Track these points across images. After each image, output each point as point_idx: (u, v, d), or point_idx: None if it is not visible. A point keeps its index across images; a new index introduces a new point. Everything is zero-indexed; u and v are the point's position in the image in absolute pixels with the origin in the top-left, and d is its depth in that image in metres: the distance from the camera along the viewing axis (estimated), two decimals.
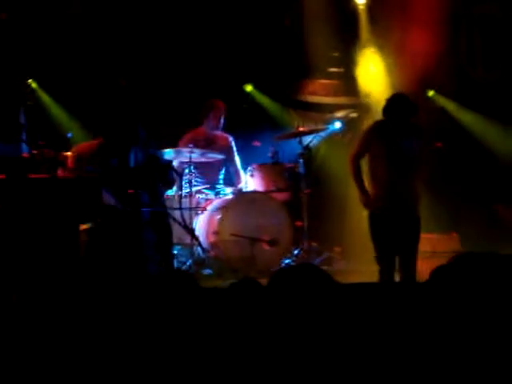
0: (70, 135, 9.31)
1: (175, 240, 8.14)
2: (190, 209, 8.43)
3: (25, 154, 7.69)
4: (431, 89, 10.15)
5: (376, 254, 6.95)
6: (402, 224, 6.90)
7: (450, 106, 10.17)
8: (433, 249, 8.14)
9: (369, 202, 6.95)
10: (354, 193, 7.89)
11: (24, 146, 8.34)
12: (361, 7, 10.10)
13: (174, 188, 8.63)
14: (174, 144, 8.85)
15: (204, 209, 8.66)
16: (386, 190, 6.90)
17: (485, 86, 10.06)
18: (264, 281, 7.48)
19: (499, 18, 10.10)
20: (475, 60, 10.10)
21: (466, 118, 10.03)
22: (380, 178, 6.93)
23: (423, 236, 7.38)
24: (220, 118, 9.28)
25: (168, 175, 7.42)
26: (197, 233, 8.39)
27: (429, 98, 10.12)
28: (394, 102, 6.99)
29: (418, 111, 7.00)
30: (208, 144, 9.12)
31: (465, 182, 9.92)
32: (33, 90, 10.03)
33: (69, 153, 7.87)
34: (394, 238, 6.90)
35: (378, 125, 7.13)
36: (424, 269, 7.61)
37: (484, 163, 9.94)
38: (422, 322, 2.89)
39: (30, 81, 9.99)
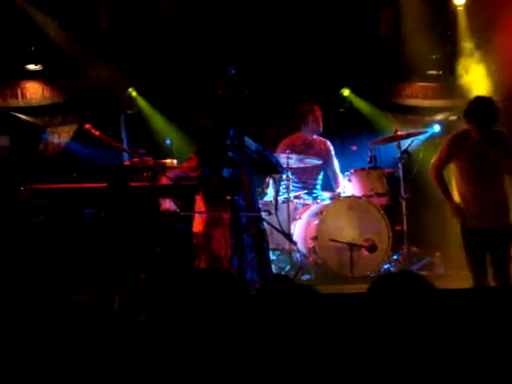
0: (168, 143, 9.44)
1: (274, 246, 8.16)
2: (288, 214, 8.43)
3: (126, 162, 7.84)
4: None
5: (468, 263, 6.88)
6: (493, 233, 6.79)
7: None
8: None
9: (458, 213, 6.88)
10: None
11: (125, 154, 8.54)
12: (459, 8, 9.93)
13: (272, 193, 8.65)
14: (272, 150, 8.86)
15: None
16: (473, 200, 6.83)
17: None
18: (362, 286, 7.45)
19: None
20: None
21: None
22: (465, 189, 6.88)
23: None
24: (319, 121, 9.24)
25: (269, 162, 7.37)
26: (295, 238, 8.37)
27: None
28: (477, 106, 6.80)
29: (498, 116, 6.79)
30: (306, 149, 9.10)
31: None
32: (133, 99, 10.21)
33: (168, 160, 7.99)
34: (485, 248, 6.81)
35: (457, 135, 7.04)
36: None
37: None
38: None
39: (130, 89, 10.17)
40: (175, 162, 8.17)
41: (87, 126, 6.69)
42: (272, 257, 8.02)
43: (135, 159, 7.13)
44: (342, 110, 10.66)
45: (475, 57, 9.79)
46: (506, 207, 6.89)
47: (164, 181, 6.93)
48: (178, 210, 7.00)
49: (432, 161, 7.10)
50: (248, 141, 7.16)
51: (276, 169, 7.61)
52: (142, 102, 10.18)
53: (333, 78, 10.37)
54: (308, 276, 8.30)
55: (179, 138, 9.77)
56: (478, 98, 6.95)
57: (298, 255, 8.30)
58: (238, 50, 9.62)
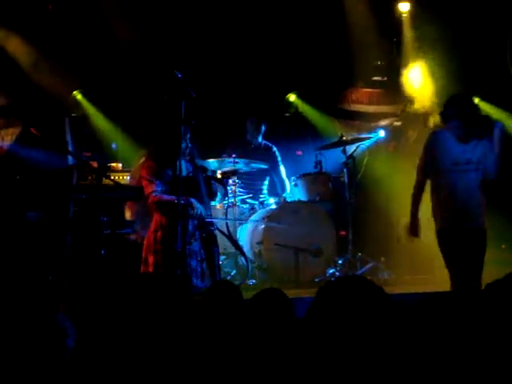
0: (114, 146, 9.38)
1: (220, 250, 8.14)
2: (234, 219, 8.42)
3: (70, 165, 7.77)
4: (477, 95, 9.98)
5: (447, 266, 6.58)
6: (466, 234, 6.54)
7: (495, 112, 10.01)
8: None
9: (413, 229, 6.64)
10: (397, 201, 7.79)
11: (70, 157, 8.46)
12: (404, 15, 10.03)
13: (218, 198, 8.63)
14: (218, 154, 8.83)
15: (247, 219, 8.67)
16: (451, 199, 6.55)
17: None
18: (308, 291, 7.46)
19: None
20: None
21: None
22: (444, 189, 6.58)
23: None
24: (256, 124, 9.30)
25: (211, 187, 7.39)
26: (241, 243, 8.37)
27: None
28: (453, 104, 6.53)
29: (478, 112, 6.63)
30: (252, 153, 9.10)
31: None
32: (78, 102, 10.11)
33: (114, 164, 7.93)
34: (461, 250, 6.62)
35: (433, 134, 6.76)
36: None
37: None
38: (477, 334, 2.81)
39: (74, 92, 10.07)
40: (120, 165, 8.11)
41: (31, 128, 6.60)
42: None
43: (80, 162, 7.06)
44: (287, 114, 10.69)
45: (419, 62, 9.89)
46: (482, 210, 6.62)
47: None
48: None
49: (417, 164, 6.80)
50: (207, 164, 7.28)
51: (213, 196, 7.65)
52: (87, 106, 10.08)
53: (279, 82, 10.39)
54: (254, 281, 8.28)
55: (125, 142, 9.71)
56: (456, 97, 6.63)
57: (243, 260, 8.28)
58: (185, 54, 9.58)
